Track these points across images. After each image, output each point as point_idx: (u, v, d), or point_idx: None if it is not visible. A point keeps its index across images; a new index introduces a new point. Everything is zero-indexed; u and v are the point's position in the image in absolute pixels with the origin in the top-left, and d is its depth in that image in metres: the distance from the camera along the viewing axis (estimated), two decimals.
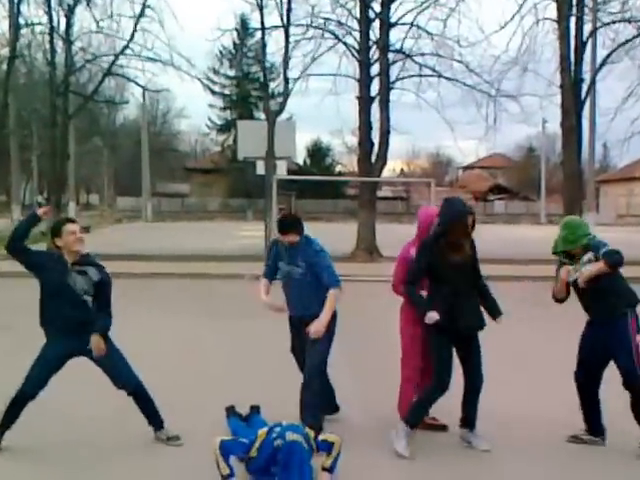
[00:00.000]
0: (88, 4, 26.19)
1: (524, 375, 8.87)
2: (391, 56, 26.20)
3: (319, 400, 6.27)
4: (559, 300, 6.43)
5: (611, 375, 6.22)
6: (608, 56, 21.49)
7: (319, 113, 42.43)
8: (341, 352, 8.66)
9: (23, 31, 26.36)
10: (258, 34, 30.26)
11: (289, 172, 27.14)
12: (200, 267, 20.95)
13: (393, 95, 26.36)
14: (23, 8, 25.77)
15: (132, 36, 26.12)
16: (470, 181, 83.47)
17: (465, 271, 6.10)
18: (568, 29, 20.36)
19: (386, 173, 47.08)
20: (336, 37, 26.54)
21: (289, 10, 24.13)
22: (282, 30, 24.51)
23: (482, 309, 6.20)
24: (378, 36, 25.87)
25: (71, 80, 28.07)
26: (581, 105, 21.05)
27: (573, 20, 20.70)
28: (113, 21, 26.64)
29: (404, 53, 26.62)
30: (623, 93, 22.41)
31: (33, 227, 6.03)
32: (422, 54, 26.51)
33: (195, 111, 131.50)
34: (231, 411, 6.61)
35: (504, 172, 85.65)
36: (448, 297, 5.97)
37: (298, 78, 25.93)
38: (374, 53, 26.01)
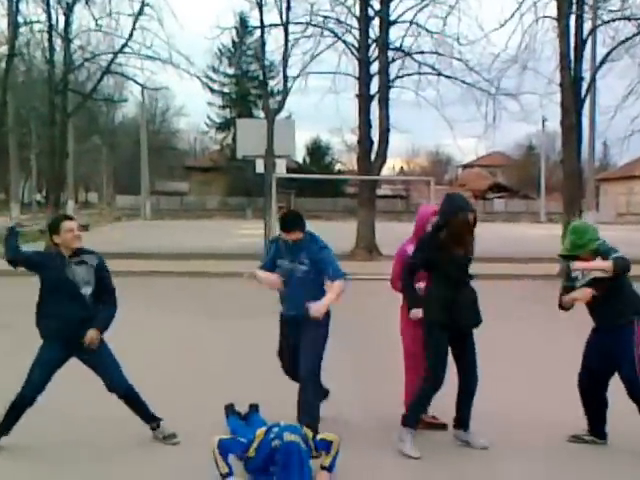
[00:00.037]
0: (87, 2, 26.15)
1: (524, 373, 8.84)
2: (391, 54, 26.21)
3: (317, 400, 6.23)
4: (565, 309, 6.35)
5: (615, 375, 6.19)
6: (608, 54, 21.43)
7: (318, 111, 42.44)
8: (341, 350, 8.64)
9: (22, 29, 26.30)
10: (257, 32, 30.22)
11: (288, 170, 27.13)
12: (199, 265, 20.93)
13: (393, 93, 26.42)
14: (22, 6, 25.71)
15: (131, 34, 26.10)
16: (470, 179, 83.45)
17: (465, 266, 6.08)
18: (568, 27, 20.28)
19: (385, 171, 47.08)
20: (335, 35, 26.54)
21: (288, 8, 24.10)
22: (281, 28, 24.48)
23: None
24: (377, 34, 25.86)
25: (70, 78, 28.00)
26: (581, 103, 20.99)
27: (573, 18, 20.61)
28: (112, 19, 26.61)
29: (404, 51, 26.61)
30: (623, 91, 22.36)
31: (18, 237, 6.07)
32: (422, 52, 26.53)
33: (194, 109, 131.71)
34: (230, 410, 6.59)
35: (504, 170, 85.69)
36: (447, 292, 5.95)
37: (297, 76, 25.93)
38: (374, 51, 26.02)
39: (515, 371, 8.91)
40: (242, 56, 64.77)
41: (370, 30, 25.98)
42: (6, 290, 14.84)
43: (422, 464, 5.81)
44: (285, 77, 24.62)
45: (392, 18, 26.16)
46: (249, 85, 65.17)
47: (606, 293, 5.96)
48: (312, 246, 6.22)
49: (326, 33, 26.48)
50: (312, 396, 6.15)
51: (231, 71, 67.48)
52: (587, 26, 21.34)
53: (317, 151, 73.60)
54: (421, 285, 6.21)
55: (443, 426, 6.57)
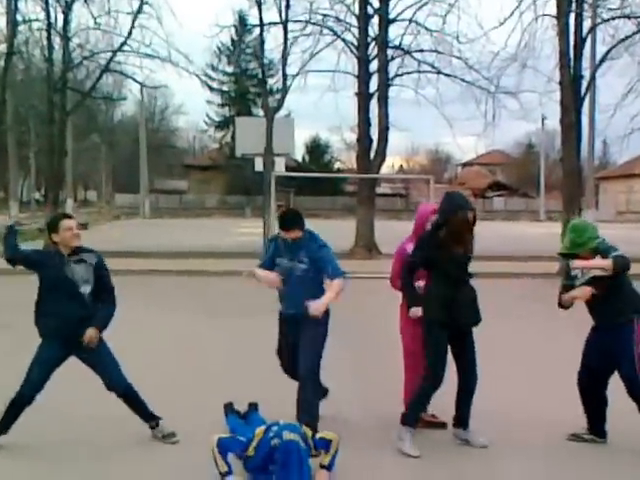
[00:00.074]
0: (85, 1, 26.08)
1: (524, 371, 8.84)
2: (390, 52, 26.19)
3: (316, 399, 6.22)
4: (564, 307, 6.33)
5: (615, 374, 6.18)
6: (608, 52, 21.43)
7: (318, 110, 42.41)
8: (340, 349, 8.62)
9: (21, 27, 26.28)
10: (256, 30, 30.14)
11: (287, 169, 27.13)
12: (198, 264, 20.92)
13: (392, 91, 26.40)
14: (20, 4, 25.67)
15: (130, 32, 26.05)
16: (469, 178, 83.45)
17: (464, 265, 6.07)
18: (567, 25, 20.27)
19: (385, 170, 46.97)
20: (335, 33, 26.53)
21: (287, 6, 24.09)
22: (280, 26, 24.47)
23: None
24: (377, 32, 25.84)
25: (69, 77, 27.96)
26: (580, 102, 20.98)
27: (572, 16, 20.60)
28: (111, 17, 26.59)
29: (403, 49, 26.60)
30: (623, 89, 22.37)
31: (17, 236, 6.06)
32: (421, 50, 26.53)
33: (193, 108, 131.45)
34: (229, 409, 6.58)
35: (503, 169, 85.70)
36: (447, 291, 5.94)
37: (297, 74, 25.90)
38: (373, 49, 26.01)
39: (515, 369, 8.90)
40: (241, 54, 64.71)
41: (369, 28, 25.97)
42: (6, 289, 14.83)
43: (421, 463, 5.79)
44: (284, 75, 24.61)
45: (391, 16, 26.15)
46: (248, 83, 65.10)
47: (606, 292, 5.94)
48: (311, 245, 6.20)
49: (325, 31, 26.49)
50: (311, 395, 6.14)
51: (230, 69, 67.42)
52: (587, 24, 21.37)
53: (316, 149, 73.53)
54: (420, 284, 6.20)
55: (442, 425, 6.55)
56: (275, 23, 24.78)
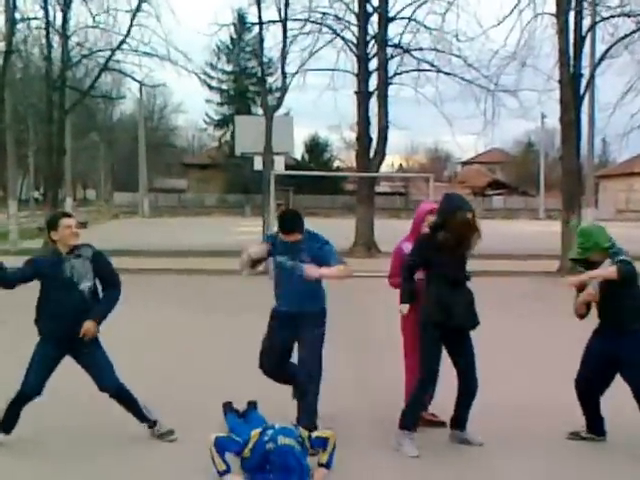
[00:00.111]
0: None
1: (524, 370, 8.83)
2: (389, 51, 26.20)
3: (316, 402, 6.17)
4: (580, 316, 6.29)
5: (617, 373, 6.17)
6: (607, 51, 21.40)
7: (317, 108, 42.37)
8: (340, 348, 8.60)
9: (19, 26, 26.30)
10: (255, 29, 30.25)
11: (287, 167, 27.05)
12: (197, 263, 20.91)
13: (391, 90, 26.41)
14: (19, 3, 25.81)
15: (129, 31, 26.06)
16: (469, 176, 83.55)
17: (461, 264, 6.05)
18: (567, 23, 20.25)
19: (384, 168, 46.90)
20: (334, 32, 26.53)
21: (287, 5, 24.04)
22: (280, 25, 24.41)
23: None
24: (376, 31, 25.85)
25: (67, 75, 27.94)
26: (580, 100, 20.96)
27: (572, 14, 20.58)
28: (109, 16, 26.60)
29: (402, 48, 26.60)
30: (622, 88, 22.35)
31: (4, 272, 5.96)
32: (420, 49, 26.55)
33: (192, 106, 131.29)
34: (228, 407, 6.56)
35: (503, 167, 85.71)
36: (444, 292, 5.91)
37: (296, 73, 25.87)
38: (372, 48, 26.02)
39: (515, 368, 8.89)
40: (240, 53, 64.71)
41: (369, 27, 25.98)
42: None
43: (422, 462, 5.78)
44: (283, 74, 24.56)
45: (391, 15, 26.16)
46: (247, 82, 65.06)
47: (615, 297, 5.90)
48: (312, 244, 6.15)
49: (324, 30, 26.49)
50: (313, 398, 6.11)
51: (229, 68, 67.39)
52: (586, 23, 21.33)
53: (316, 148, 73.47)
54: (420, 276, 6.17)
55: (442, 424, 6.52)
56: (274, 21, 24.75)
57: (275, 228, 6.43)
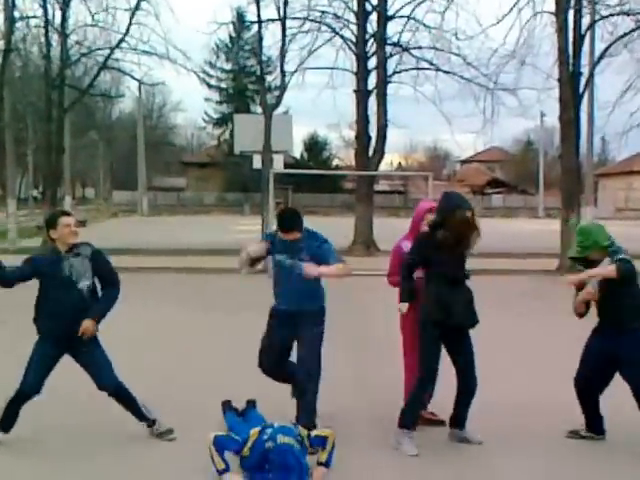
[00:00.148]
0: None
1: (523, 368, 8.83)
2: (388, 49, 26.18)
3: (315, 401, 6.17)
4: (580, 314, 6.29)
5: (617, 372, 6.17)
6: (606, 49, 21.38)
7: (316, 107, 42.30)
8: (339, 347, 8.60)
9: (18, 24, 26.25)
10: (254, 27, 30.27)
11: (286, 166, 27.03)
12: (196, 261, 20.90)
13: (390, 89, 26.39)
14: (18, 1, 25.73)
15: (128, 29, 26.01)
16: (468, 175, 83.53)
17: (460, 262, 6.04)
18: (566, 22, 20.24)
19: (383, 167, 46.93)
20: (333, 30, 26.50)
21: (286, 3, 24.02)
22: (279, 23, 24.39)
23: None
24: (375, 29, 25.83)
25: (66, 74, 27.89)
26: (579, 98, 20.95)
27: (571, 13, 20.57)
28: (108, 14, 26.55)
29: (401, 46, 26.58)
30: (621, 86, 22.33)
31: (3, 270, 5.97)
32: (419, 47, 26.52)
33: (191, 105, 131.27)
34: (227, 406, 6.56)
35: (502, 166, 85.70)
36: (443, 291, 5.91)
37: (295, 71, 25.86)
38: (371, 46, 26.01)
39: (514, 366, 8.89)
40: (239, 51, 64.69)
41: (368, 25, 25.96)
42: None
43: (420, 461, 5.77)
44: (282, 72, 24.54)
45: (390, 13, 26.14)
46: (246, 80, 65.04)
47: (615, 296, 5.89)
48: (311, 243, 6.14)
49: (324, 28, 26.47)
50: (312, 397, 6.10)
51: (228, 66, 67.36)
52: (585, 21, 21.33)
53: (315, 146, 73.44)
54: (419, 274, 6.16)
55: (441, 422, 6.52)
56: (273, 20, 24.72)
57: (274, 226, 6.42)
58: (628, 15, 21.19)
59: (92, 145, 67.24)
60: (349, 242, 24.82)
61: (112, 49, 26.89)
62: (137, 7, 25.83)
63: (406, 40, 26.61)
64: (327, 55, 39.23)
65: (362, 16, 25.51)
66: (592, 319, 6.23)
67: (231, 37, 63.41)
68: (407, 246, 6.45)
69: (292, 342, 6.32)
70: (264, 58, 30.11)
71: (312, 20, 26.27)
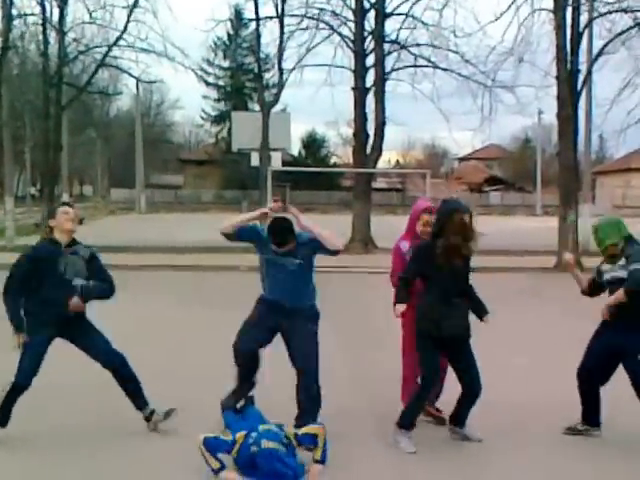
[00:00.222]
0: None
1: (522, 368, 8.83)
2: (386, 47, 26.15)
3: (318, 403, 6.16)
4: (586, 294, 6.35)
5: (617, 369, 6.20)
6: (604, 47, 21.38)
7: (314, 104, 42.33)
8: (338, 345, 8.60)
9: (16, 22, 26.22)
10: (252, 25, 30.24)
11: (284, 163, 27.13)
12: (194, 259, 20.89)
13: (388, 86, 26.38)
14: None
15: (126, 27, 26.03)
16: (466, 172, 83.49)
17: (460, 276, 6.01)
18: (564, 19, 20.25)
19: (381, 164, 47.01)
20: (331, 28, 26.49)
21: (283, 0, 24.07)
22: (277, 21, 24.45)
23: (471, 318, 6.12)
24: (373, 26, 25.82)
25: (64, 71, 27.91)
26: (577, 96, 20.96)
27: (569, 10, 20.58)
28: (106, 12, 26.57)
29: (399, 44, 26.56)
30: (619, 84, 22.33)
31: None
32: (417, 45, 26.50)
33: (189, 102, 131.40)
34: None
35: (500, 163, 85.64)
36: (438, 302, 5.87)
37: (293, 69, 25.90)
38: (369, 44, 26.00)
39: (512, 365, 8.89)
40: (237, 49, 64.60)
41: (366, 22, 25.96)
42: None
43: (419, 458, 5.78)
44: (280, 70, 24.59)
45: (388, 10, 26.13)
46: (244, 78, 64.98)
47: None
48: (301, 248, 6.05)
49: (321, 25, 26.47)
50: (316, 395, 6.09)
51: (226, 64, 67.26)
52: (583, 18, 21.33)
53: (312, 144, 73.37)
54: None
55: (443, 421, 6.51)
56: (271, 17, 24.78)
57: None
58: (626, 12, 21.19)
59: (90, 143, 67.14)
60: (347, 240, 24.82)
61: (110, 47, 26.91)
62: (135, 4, 25.86)
63: (404, 37, 26.64)
64: (325, 52, 39.36)
65: (360, 13, 25.50)
66: (592, 319, 6.24)
67: (229, 35, 63.36)
68: (405, 246, 6.45)
69: (272, 336, 6.25)
70: (262, 55, 30.09)
71: (310, 17, 26.28)
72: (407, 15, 26.30)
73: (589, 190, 27.48)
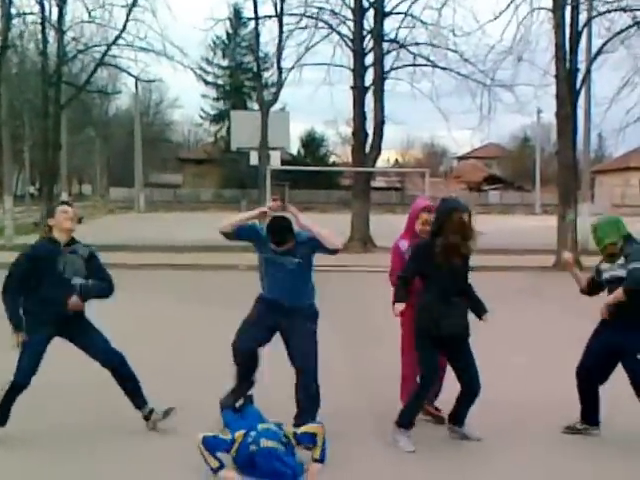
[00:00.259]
0: None
1: (521, 367, 8.83)
2: (385, 46, 26.16)
3: (317, 403, 6.17)
4: (585, 293, 6.35)
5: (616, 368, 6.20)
6: (603, 45, 21.38)
7: (313, 103, 42.33)
8: (338, 344, 8.61)
9: (15, 21, 26.22)
10: (251, 24, 30.13)
11: (283, 162, 27.14)
12: (193, 258, 20.89)
13: (387, 85, 26.41)
14: None
15: (125, 26, 26.02)
16: (465, 171, 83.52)
17: (459, 275, 6.01)
18: (563, 18, 20.26)
19: (380, 163, 46.95)
20: (330, 27, 26.49)
21: None
22: (276, 20, 24.45)
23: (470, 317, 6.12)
24: (372, 25, 25.84)
25: (63, 70, 27.89)
26: (576, 95, 20.97)
27: (568, 9, 20.58)
28: (105, 11, 26.56)
29: (398, 43, 26.57)
30: (618, 83, 22.33)
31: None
32: (416, 44, 26.51)
33: (188, 101, 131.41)
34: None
35: (499, 162, 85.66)
36: (437, 302, 5.87)
37: (292, 68, 25.90)
38: (368, 43, 26.01)
39: (511, 364, 8.90)
40: (236, 48, 64.57)
41: (365, 22, 25.97)
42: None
43: (417, 457, 5.79)
44: (279, 69, 24.59)
45: (387, 9, 26.13)
46: (243, 77, 65.01)
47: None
48: (300, 247, 6.05)
49: (320, 24, 26.47)
50: (316, 395, 6.09)
51: (225, 63, 67.30)
52: (582, 17, 21.32)
53: (311, 143, 73.39)
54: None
55: (442, 420, 6.51)
56: (270, 16, 24.78)
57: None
58: (625, 11, 21.19)
59: (89, 142, 67.10)
60: (346, 239, 24.82)
61: (109, 46, 26.90)
62: (134, 3, 25.84)
63: (403, 36, 26.67)
64: (324, 52, 39.25)
65: (359, 12, 25.50)
66: (591, 318, 6.24)
67: (228, 34, 63.34)
68: (404, 245, 6.45)
69: (271, 335, 6.25)
70: (261, 55, 30.08)
71: (309, 16, 26.29)
72: (406, 14, 26.32)
73: (588, 189, 27.49)
